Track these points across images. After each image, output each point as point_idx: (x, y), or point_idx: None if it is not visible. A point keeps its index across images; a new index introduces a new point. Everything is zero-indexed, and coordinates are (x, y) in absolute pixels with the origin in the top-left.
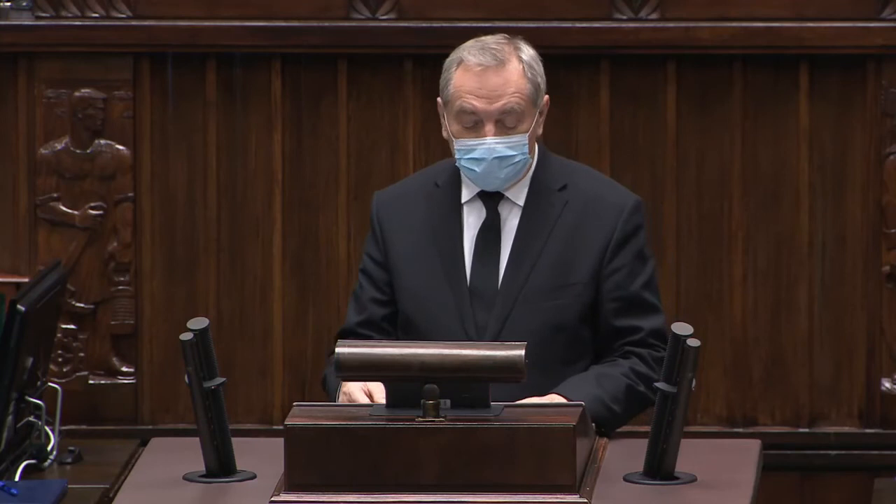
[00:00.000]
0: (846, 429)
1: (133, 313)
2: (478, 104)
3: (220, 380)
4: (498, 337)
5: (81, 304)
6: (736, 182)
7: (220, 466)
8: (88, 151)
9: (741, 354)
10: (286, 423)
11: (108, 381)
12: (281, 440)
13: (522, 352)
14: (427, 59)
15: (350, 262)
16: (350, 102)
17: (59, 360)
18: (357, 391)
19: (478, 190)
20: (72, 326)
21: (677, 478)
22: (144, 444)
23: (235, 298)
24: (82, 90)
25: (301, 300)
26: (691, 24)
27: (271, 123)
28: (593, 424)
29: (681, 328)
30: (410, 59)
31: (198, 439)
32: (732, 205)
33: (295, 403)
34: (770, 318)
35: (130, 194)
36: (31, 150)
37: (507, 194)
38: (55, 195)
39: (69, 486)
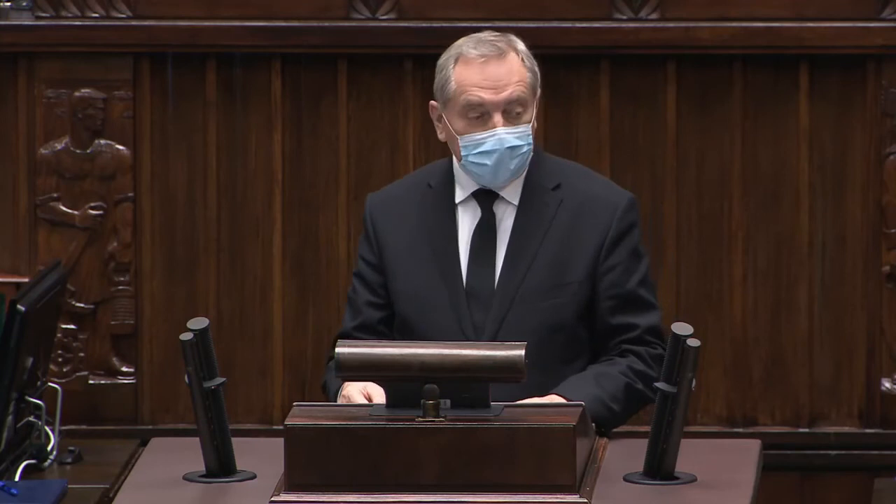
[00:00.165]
0: (846, 429)
1: (133, 313)
2: (485, 95)
3: (220, 380)
4: (495, 337)
5: (81, 304)
6: (736, 182)
7: (220, 466)
8: (88, 151)
9: (741, 354)
10: (286, 423)
11: (108, 381)
12: (281, 440)
13: (522, 352)
14: (427, 59)
15: (350, 262)
16: (350, 102)
17: (59, 360)
18: (356, 394)
19: (472, 190)
20: (72, 326)
21: (677, 478)
22: (144, 444)
23: (235, 298)
24: (82, 90)
25: (301, 300)
26: (691, 24)
27: (271, 123)
28: (593, 424)
29: (681, 328)
30: (410, 59)
31: (198, 439)
32: (732, 205)
33: (295, 403)
34: (770, 318)
35: (130, 194)
36: (31, 150)
37: (501, 193)
38: (55, 195)
39: (69, 486)
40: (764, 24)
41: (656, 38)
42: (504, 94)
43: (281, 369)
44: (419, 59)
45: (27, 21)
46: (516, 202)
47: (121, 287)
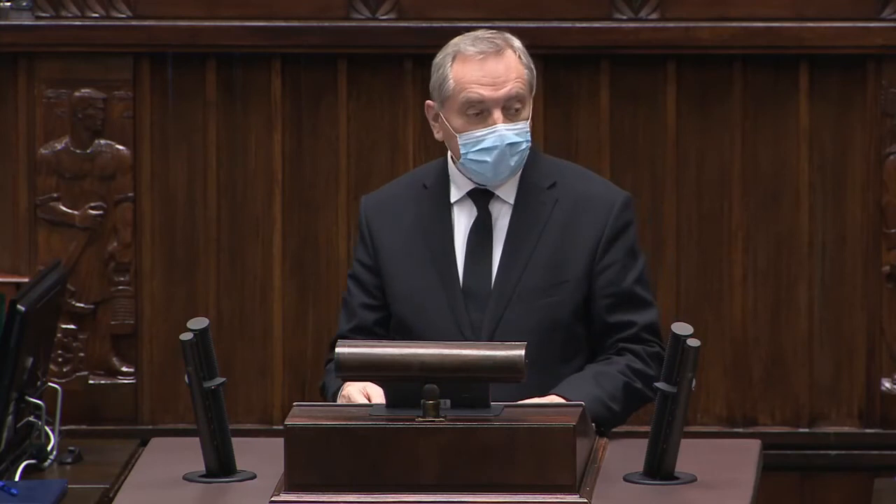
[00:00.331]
0: (846, 429)
1: (133, 313)
2: (484, 92)
3: (220, 380)
4: (493, 336)
5: (81, 304)
6: (736, 182)
7: (220, 466)
8: (88, 151)
9: (741, 354)
10: (286, 423)
11: (108, 381)
12: (281, 440)
13: (522, 352)
14: (427, 59)
15: (350, 262)
16: (350, 102)
17: (59, 360)
18: (356, 394)
19: (467, 189)
20: (72, 326)
21: (677, 478)
22: (144, 444)
23: (235, 298)
24: (82, 90)
25: (301, 300)
26: (691, 24)
27: (271, 123)
28: (593, 424)
29: (681, 328)
30: (410, 59)
31: (198, 439)
32: (732, 205)
33: (295, 403)
34: (770, 318)
35: (130, 194)
36: (31, 150)
37: (497, 192)
38: (55, 195)
39: (69, 486)
40: (764, 24)
41: (656, 38)
42: (503, 91)
43: (281, 369)
44: (419, 59)
45: (27, 21)
46: (512, 201)
47: (121, 287)
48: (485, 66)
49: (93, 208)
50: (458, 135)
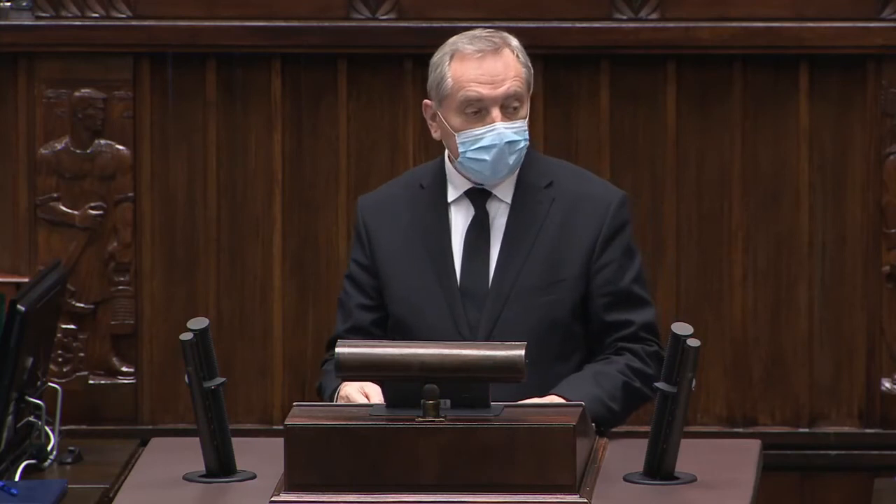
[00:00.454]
0: (846, 429)
1: (133, 313)
2: (483, 90)
3: (220, 380)
4: (490, 335)
5: (81, 304)
6: (736, 182)
7: (220, 466)
8: (88, 151)
9: (741, 354)
10: (286, 423)
11: (108, 381)
12: (281, 440)
13: (522, 352)
14: (427, 59)
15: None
16: (350, 102)
17: (59, 360)
18: (355, 393)
19: (464, 189)
20: (72, 326)
21: (677, 478)
22: (144, 444)
23: (235, 298)
24: (82, 90)
25: (301, 300)
26: (691, 24)
27: (271, 123)
28: (593, 424)
29: (681, 328)
30: (410, 59)
31: (198, 439)
32: (732, 205)
33: (295, 403)
34: (770, 318)
35: (130, 194)
36: (31, 150)
37: (494, 192)
38: (55, 195)
39: (69, 486)
40: (764, 24)
41: (656, 38)
42: (502, 89)
43: (281, 369)
44: (419, 59)
45: (27, 21)
46: (509, 201)
47: (121, 287)
48: (483, 64)
49: (93, 208)
50: (456, 133)
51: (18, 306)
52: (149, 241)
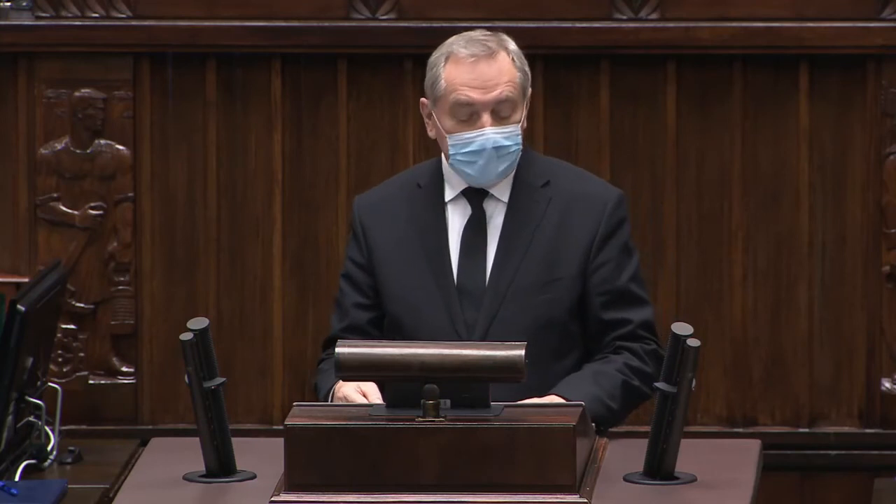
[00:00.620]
0: (846, 429)
1: (133, 313)
2: (474, 95)
3: (220, 380)
4: (487, 334)
5: (81, 304)
6: (736, 182)
7: (220, 466)
8: (88, 151)
9: (741, 354)
10: (286, 423)
11: (108, 381)
12: (281, 440)
13: (522, 352)
14: (427, 59)
15: None
16: (350, 102)
17: (59, 360)
18: (353, 393)
19: (461, 188)
20: (72, 326)
21: (677, 478)
22: (144, 444)
23: (235, 298)
24: (82, 90)
25: (301, 300)
26: (691, 24)
27: (271, 123)
28: (593, 424)
29: (681, 328)
30: (410, 59)
31: (198, 439)
32: (732, 205)
33: (295, 403)
34: (770, 318)
35: (130, 194)
36: (31, 150)
37: (491, 191)
38: (55, 195)
39: (69, 486)
40: (764, 24)
41: (656, 38)
42: (493, 94)
43: (281, 369)
44: (419, 59)
45: (27, 21)
46: (506, 200)
47: (121, 287)
48: (476, 68)
49: (93, 208)
50: (447, 135)
51: (18, 306)
52: (149, 241)
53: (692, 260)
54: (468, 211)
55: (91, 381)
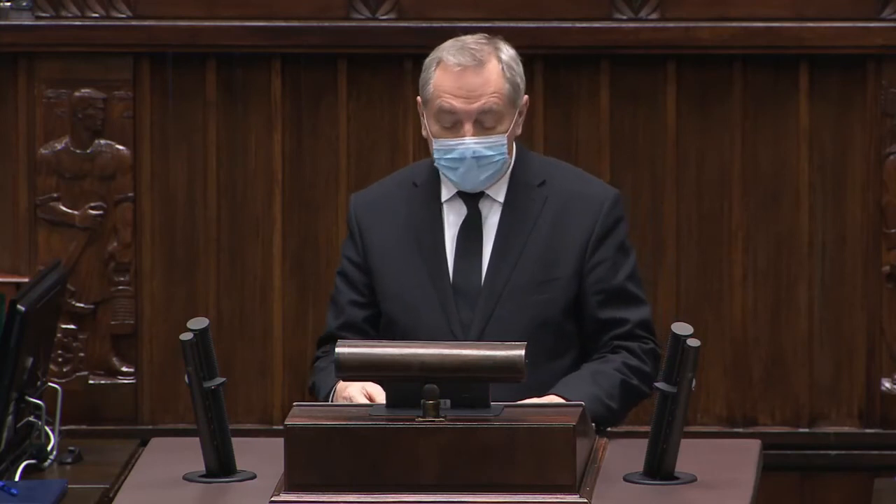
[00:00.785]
0: (846, 429)
1: (133, 313)
2: (457, 104)
3: (220, 380)
4: (483, 334)
5: (81, 304)
6: (736, 182)
7: (220, 466)
8: (88, 151)
9: (741, 354)
10: (286, 423)
11: (108, 381)
12: (281, 440)
13: (522, 352)
14: None
15: None
16: (350, 102)
17: (59, 360)
18: (358, 394)
19: (456, 188)
20: (72, 326)
21: (677, 478)
22: (144, 444)
23: (235, 298)
24: (82, 90)
25: (301, 300)
26: (691, 24)
27: (271, 123)
28: (593, 424)
29: (681, 328)
30: (410, 59)
31: (198, 439)
32: (732, 205)
33: (295, 403)
34: (770, 318)
35: (130, 194)
36: (31, 150)
37: (487, 191)
38: (55, 195)
39: (69, 486)
40: (764, 24)
41: (656, 38)
42: (476, 105)
43: (281, 369)
44: (419, 59)
45: (27, 21)
46: (502, 199)
47: (121, 287)
48: (461, 78)
49: (93, 208)
50: (433, 139)
51: (18, 306)
52: (149, 241)
53: (692, 260)
54: (464, 211)
55: (91, 381)
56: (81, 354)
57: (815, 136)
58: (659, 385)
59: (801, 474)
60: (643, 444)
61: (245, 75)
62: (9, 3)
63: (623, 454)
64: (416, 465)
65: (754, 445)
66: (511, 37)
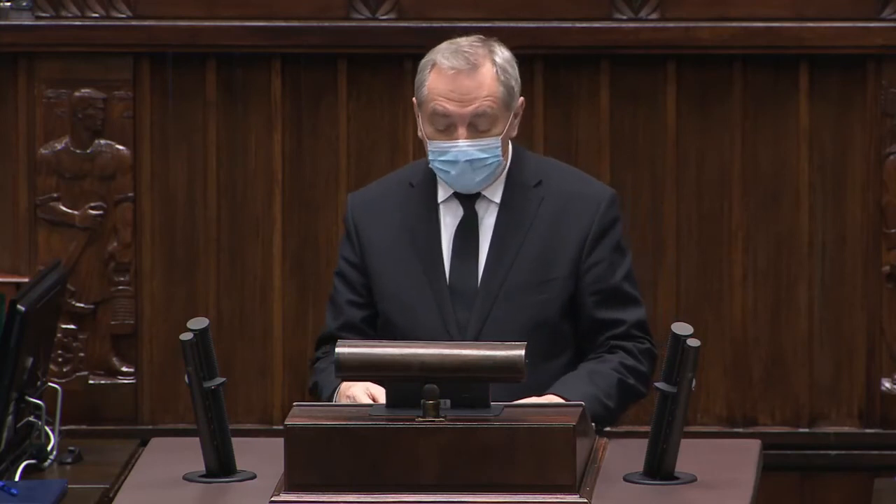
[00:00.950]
0: (846, 429)
1: (133, 313)
2: (450, 107)
3: (220, 380)
4: (480, 334)
5: (81, 304)
6: (736, 182)
7: (220, 466)
8: (88, 151)
9: (741, 354)
10: (286, 423)
11: (108, 381)
12: (281, 440)
13: (522, 352)
14: None
15: None
16: (350, 102)
17: (59, 360)
18: (361, 395)
19: (453, 189)
20: (72, 326)
21: (677, 478)
22: (144, 444)
23: (235, 298)
24: (82, 90)
25: (301, 300)
26: (691, 24)
27: (271, 123)
28: (593, 424)
29: (681, 328)
30: (410, 59)
31: (198, 439)
32: (732, 205)
33: (295, 403)
34: (770, 318)
35: (130, 194)
36: (31, 150)
37: (483, 192)
38: (55, 195)
39: (69, 486)
40: (764, 24)
41: (656, 38)
42: (470, 108)
43: (281, 369)
44: (419, 59)
45: (27, 21)
46: (498, 200)
47: (121, 287)
48: (454, 81)
49: (93, 208)
50: (428, 141)
51: (18, 306)
52: (149, 241)
53: (692, 260)
54: (460, 211)
55: (91, 381)
56: (81, 354)
57: (815, 136)
58: (659, 385)
59: (801, 474)
60: (643, 444)
61: (245, 75)
62: (9, 3)
63: (623, 454)
64: (416, 465)
65: (754, 445)
66: (511, 37)
